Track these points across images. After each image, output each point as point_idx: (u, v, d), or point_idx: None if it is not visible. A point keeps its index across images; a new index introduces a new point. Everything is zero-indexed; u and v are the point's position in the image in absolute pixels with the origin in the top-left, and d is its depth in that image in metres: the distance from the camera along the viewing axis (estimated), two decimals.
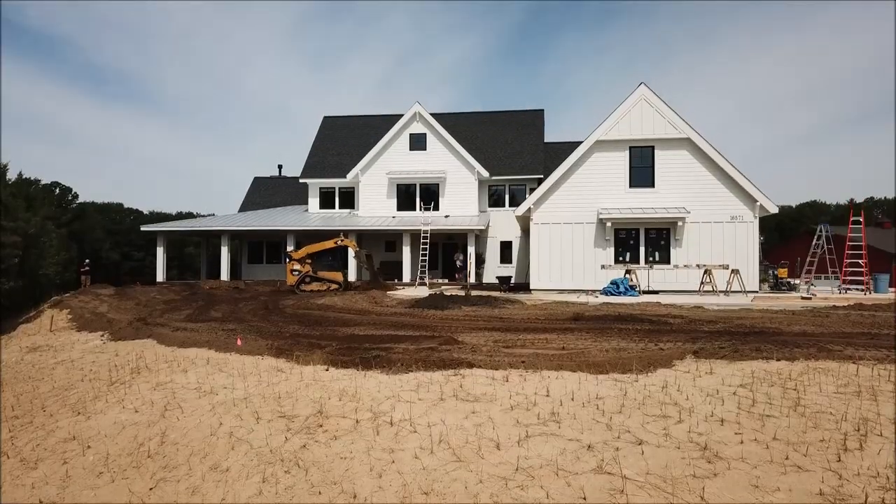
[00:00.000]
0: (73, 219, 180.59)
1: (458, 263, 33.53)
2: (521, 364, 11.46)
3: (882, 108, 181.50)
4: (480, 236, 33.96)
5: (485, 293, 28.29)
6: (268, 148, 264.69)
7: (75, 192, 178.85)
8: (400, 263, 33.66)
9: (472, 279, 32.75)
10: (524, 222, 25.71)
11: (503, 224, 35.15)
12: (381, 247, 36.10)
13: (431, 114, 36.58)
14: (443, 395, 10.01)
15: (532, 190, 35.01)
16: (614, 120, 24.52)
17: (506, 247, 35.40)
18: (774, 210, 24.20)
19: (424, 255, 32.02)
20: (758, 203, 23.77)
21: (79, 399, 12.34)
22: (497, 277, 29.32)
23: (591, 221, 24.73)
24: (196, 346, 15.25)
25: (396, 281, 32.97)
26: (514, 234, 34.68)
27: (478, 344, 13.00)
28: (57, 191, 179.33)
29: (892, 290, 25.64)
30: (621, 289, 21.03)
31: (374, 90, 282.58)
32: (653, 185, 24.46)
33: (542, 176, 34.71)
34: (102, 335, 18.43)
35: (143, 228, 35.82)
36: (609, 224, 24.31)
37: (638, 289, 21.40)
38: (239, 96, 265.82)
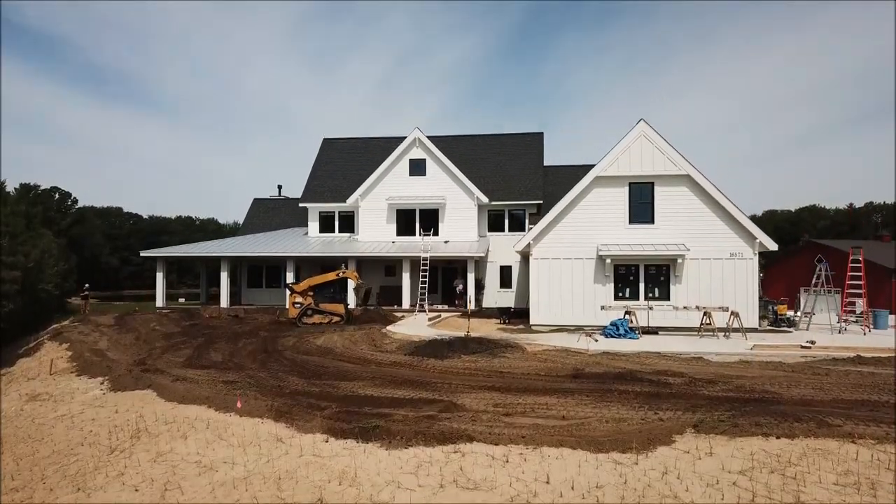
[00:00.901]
0: (73, 223, 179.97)
1: (458, 290, 33.54)
2: (522, 439, 11.47)
3: (882, 109, 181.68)
4: (480, 262, 33.96)
5: (485, 322, 28.35)
6: (267, 148, 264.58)
7: (74, 197, 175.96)
8: (399, 288, 33.66)
9: (471, 306, 32.74)
10: (524, 250, 25.71)
11: (503, 248, 35.11)
12: (380, 271, 36.09)
13: (431, 137, 36.60)
14: (443, 480, 10.02)
15: (532, 215, 35.08)
16: (614, 156, 24.53)
17: (506, 271, 35.42)
18: (773, 247, 24.23)
19: (424, 281, 32.06)
20: (757, 240, 23.80)
21: (79, 470, 12.34)
22: (497, 309, 29.34)
23: (591, 257, 24.74)
24: (196, 402, 15.26)
25: (396, 307, 32.96)
26: (513, 259, 34.67)
27: (478, 410, 13.00)
28: (56, 195, 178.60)
29: (892, 324, 25.60)
30: (621, 331, 21.03)
31: (374, 90, 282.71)
32: (652, 222, 24.47)
33: (540, 201, 34.75)
34: (102, 382, 18.43)
35: (142, 254, 35.80)
36: (609, 261, 24.33)
37: (638, 330, 21.40)
38: (239, 97, 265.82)
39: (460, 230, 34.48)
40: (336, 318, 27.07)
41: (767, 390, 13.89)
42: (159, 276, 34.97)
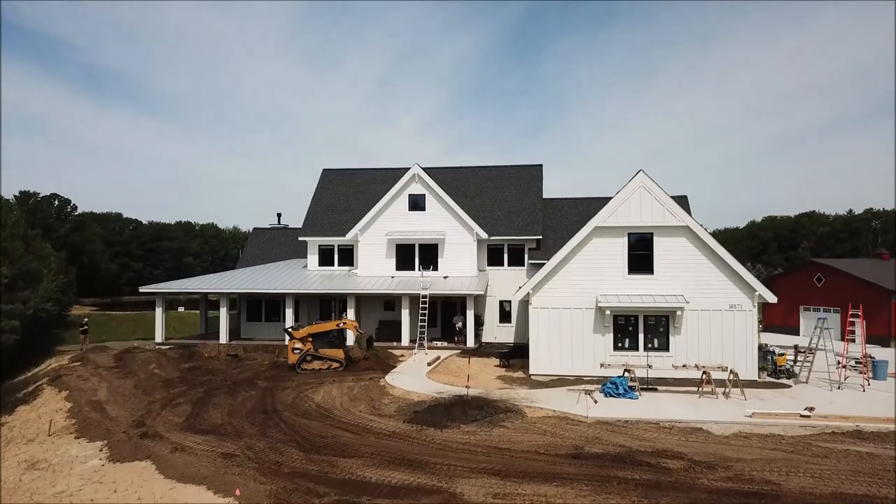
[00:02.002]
0: (72, 230, 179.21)
1: (457, 327, 33.53)
2: None
3: (883, 110, 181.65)
4: (479, 297, 33.93)
5: (484, 366, 28.33)
6: (267, 149, 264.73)
7: (74, 204, 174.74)
8: (399, 323, 33.66)
9: (471, 343, 32.77)
10: (524, 298, 25.65)
11: (502, 283, 35.17)
12: (380, 305, 36.11)
13: (431, 168, 36.61)
14: None
15: (531, 250, 35.08)
16: (613, 206, 24.53)
17: (505, 305, 35.44)
18: (773, 300, 24.30)
19: (423, 318, 32.09)
20: (756, 293, 23.81)
21: None
22: (498, 353, 29.26)
23: (591, 307, 24.73)
24: (195, 481, 15.23)
25: (395, 343, 32.95)
26: (513, 294, 34.56)
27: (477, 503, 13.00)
28: (56, 202, 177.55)
29: (891, 371, 25.58)
30: (620, 390, 21.01)
31: (372, 89, 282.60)
32: (652, 272, 24.46)
33: (540, 236, 34.73)
34: (101, 449, 18.38)
35: (141, 290, 35.64)
36: (608, 312, 24.34)
37: (637, 388, 21.38)
38: (237, 97, 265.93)
39: (459, 265, 34.47)
40: (335, 364, 27.04)
41: (767, 479, 13.86)
42: (158, 311, 34.90)
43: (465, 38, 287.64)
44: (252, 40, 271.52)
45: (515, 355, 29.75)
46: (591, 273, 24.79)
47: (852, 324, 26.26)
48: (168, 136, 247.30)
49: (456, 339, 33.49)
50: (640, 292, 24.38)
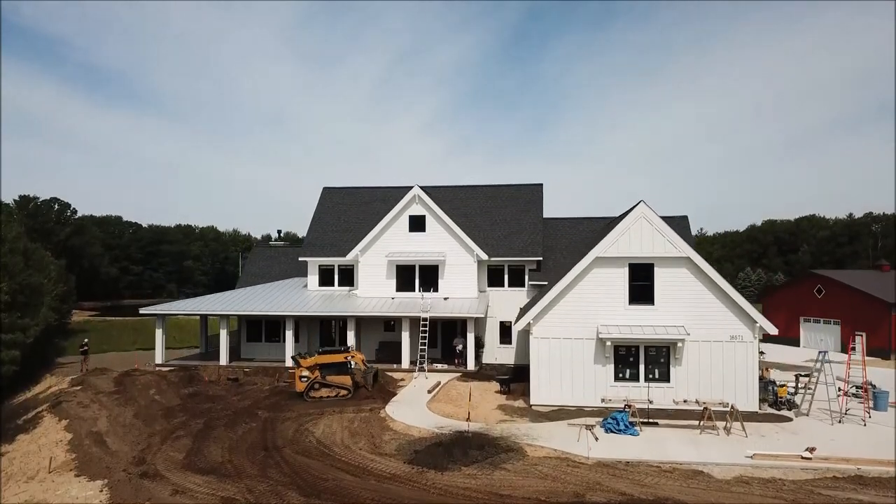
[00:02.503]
0: (72, 234, 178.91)
1: (458, 349, 33.52)
2: None
3: (883, 111, 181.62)
4: (479, 319, 33.88)
5: (485, 392, 28.32)
6: (266, 149, 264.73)
7: (74, 208, 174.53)
8: (399, 344, 33.65)
9: (471, 366, 32.76)
10: (525, 328, 25.59)
11: (503, 304, 35.18)
12: (380, 326, 36.09)
13: (431, 187, 36.63)
14: None
15: (531, 271, 35.06)
16: (614, 237, 24.50)
17: (506, 326, 35.39)
18: (774, 332, 24.29)
19: (424, 340, 32.11)
20: (757, 324, 23.79)
21: None
22: (497, 378, 29.23)
23: (591, 337, 24.70)
24: None
25: (396, 366, 32.95)
26: (513, 315, 34.51)
27: None
28: (56, 206, 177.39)
29: (892, 401, 25.53)
30: (621, 426, 20.98)
31: (372, 90, 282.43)
32: (652, 303, 24.44)
33: (540, 258, 34.71)
34: (102, 490, 18.34)
35: (141, 311, 35.62)
36: (609, 343, 24.32)
37: (637, 424, 21.36)
38: (237, 97, 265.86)
39: (460, 286, 34.46)
40: (343, 392, 26.95)
41: None
42: (158, 333, 34.91)
43: (465, 38, 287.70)
44: (252, 40, 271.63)
45: (516, 379, 29.76)
46: (591, 303, 24.76)
47: (853, 349, 26.15)
48: (167, 136, 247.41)
49: (456, 361, 33.49)
50: (641, 323, 24.36)
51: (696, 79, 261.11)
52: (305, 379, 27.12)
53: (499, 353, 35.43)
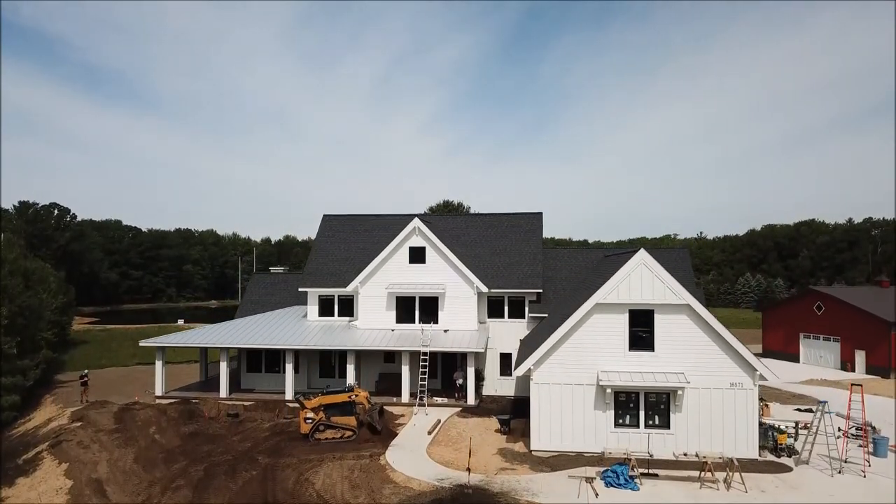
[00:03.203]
0: (71, 240, 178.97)
1: (458, 383, 33.54)
2: None
3: (883, 110, 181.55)
4: (480, 353, 33.87)
5: (485, 432, 28.34)
6: (265, 150, 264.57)
7: (73, 213, 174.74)
8: (399, 375, 33.67)
9: (471, 400, 32.79)
10: (525, 374, 25.59)
11: (503, 335, 35.25)
12: (380, 357, 36.07)
13: (431, 216, 36.82)
14: None
15: (531, 302, 35.08)
16: (614, 283, 24.50)
17: (506, 358, 35.42)
18: (774, 380, 24.30)
19: (424, 376, 32.13)
20: (757, 372, 23.80)
21: None
22: (497, 414, 29.22)
23: (591, 383, 24.72)
24: None
25: (396, 400, 33.01)
26: (513, 346, 34.67)
27: None
28: (55, 212, 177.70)
29: (892, 444, 25.53)
30: (621, 480, 21.00)
31: (372, 89, 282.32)
32: (653, 349, 24.47)
33: (540, 290, 34.72)
34: None
35: (141, 343, 35.56)
36: (609, 390, 24.34)
37: (638, 478, 21.38)
38: (236, 98, 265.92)
39: (460, 318, 34.48)
40: (348, 433, 26.91)
41: None
42: (158, 364, 34.93)
43: (465, 37, 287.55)
44: (251, 40, 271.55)
45: (516, 414, 29.81)
46: (591, 349, 24.80)
47: (853, 399, 26.24)
48: (166, 137, 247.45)
49: (457, 394, 33.51)
50: (641, 369, 24.38)
51: (694, 78, 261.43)
52: (310, 420, 27.05)
53: (499, 385, 35.47)
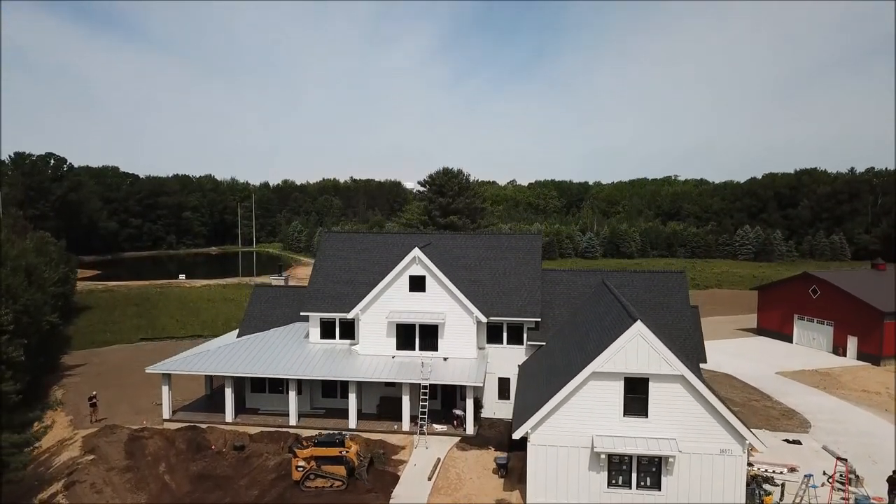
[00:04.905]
0: (69, 190, 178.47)
1: (457, 414, 34.50)
2: None
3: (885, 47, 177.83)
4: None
5: (483, 468, 29.46)
6: (261, 85, 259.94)
7: (70, 163, 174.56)
8: (400, 400, 34.56)
9: (470, 430, 33.83)
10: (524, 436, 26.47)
11: (501, 361, 36.02)
12: (382, 381, 36.85)
13: (432, 234, 36.86)
14: None
15: (530, 329, 35.70)
16: (610, 353, 25.01)
17: (504, 382, 36.30)
18: (763, 449, 25.16)
19: (424, 407, 33.09)
20: (747, 441, 24.60)
21: None
22: (496, 460, 30.17)
23: (586, 446, 25.61)
24: None
25: (396, 427, 34.10)
26: (511, 371, 35.54)
27: None
28: (51, 161, 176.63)
29: (874, 497, 26.63)
30: None
31: (370, 20, 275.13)
32: (647, 416, 25.22)
33: (538, 319, 35.24)
34: None
35: (147, 370, 36.23)
36: (603, 455, 25.23)
37: None
38: (230, 32, 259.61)
39: (459, 346, 35.17)
40: (338, 484, 28.02)
41: None
42: (165, 390, 35.78)
43: None
44: None
45: (513, 445, 30.80)
46: (587, 414, 25.57)
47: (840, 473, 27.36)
48: (160, 76, 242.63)
49: (455, 423, 34.51)
50: (635, 434, 25.21)
51: (697, 12, 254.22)
52: (302, 468, 28.29)
53: (497, 408, 36.46)
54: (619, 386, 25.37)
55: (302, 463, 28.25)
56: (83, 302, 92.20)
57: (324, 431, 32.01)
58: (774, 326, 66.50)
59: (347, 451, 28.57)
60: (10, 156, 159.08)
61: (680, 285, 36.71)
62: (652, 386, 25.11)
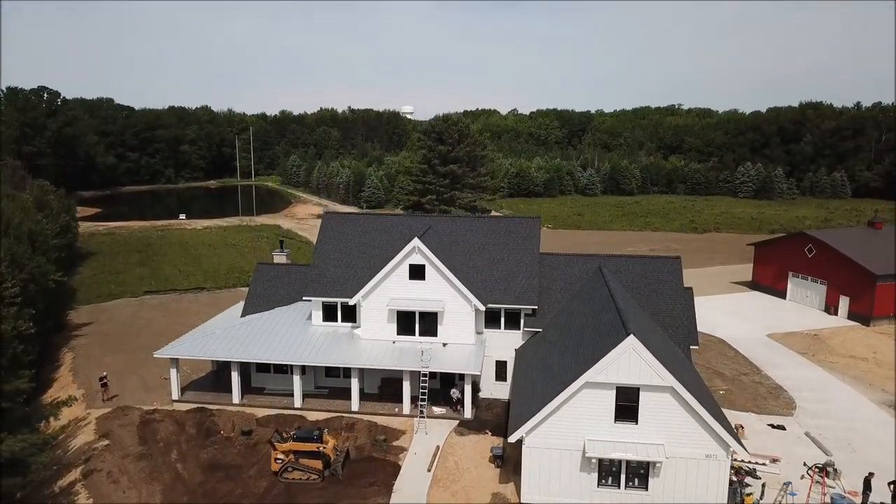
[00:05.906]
0: (64, 125, 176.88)
1: (455, 397, 35.81)
2: None
3: None
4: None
5: (480, 457, 30.99)
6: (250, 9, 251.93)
7: (64, 97, 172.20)
8: (401, 381, 35.82)
9: (468, 414, 35.25)
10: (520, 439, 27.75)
11: (498, 344, 37.12)
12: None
13: (431, 216, 37.15)
14: None
15: (527, 316, 36.59)
16: (603, 365, 25.93)
17: (501, 365, 37.51)
18: (746, 457, 26.52)
19: (424, 394, 34.41)
20: (731, 448, 25.86)
21: None
22: (492, 451, 31.56)
23: (578, 449, 26.92)
24: None
25: (397, 410, 35.56)
26: (508, 355, 36.72)
27: None
28: (45, 95, 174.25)
29: (849, 490, 28.16)
30: None
31: None
32: (636, 422, 26.41)
33: (535, 307, 36.06)
34: None
35: (155, 354, 37.27)
36: (594, 460, 26.57)
37: None
38: None
39: (458, 332, 36.14)
40: (314, 477, 29.70)
41: None
42: (173, 372, 37.02)
43: None
44: None
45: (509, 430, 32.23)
46: (580, 419, 26.78)
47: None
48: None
49: (454, 406, 35.89)
50: (625, 439, 26.49)
51: None
52: (280, 461, 30.03)
53: (494, 389, 37.82)
54: (611, 395, 26.44)
55: (281, 456, 29.99)
56: (85, 247, 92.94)
57: (328, 414, 33.39)
58: (769, 282, 67.52)
59: (324, 447, 30.07)
60: (2, 91, 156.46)
61: (674, 271, 37.34)
62: (643, 395, 26.18)
